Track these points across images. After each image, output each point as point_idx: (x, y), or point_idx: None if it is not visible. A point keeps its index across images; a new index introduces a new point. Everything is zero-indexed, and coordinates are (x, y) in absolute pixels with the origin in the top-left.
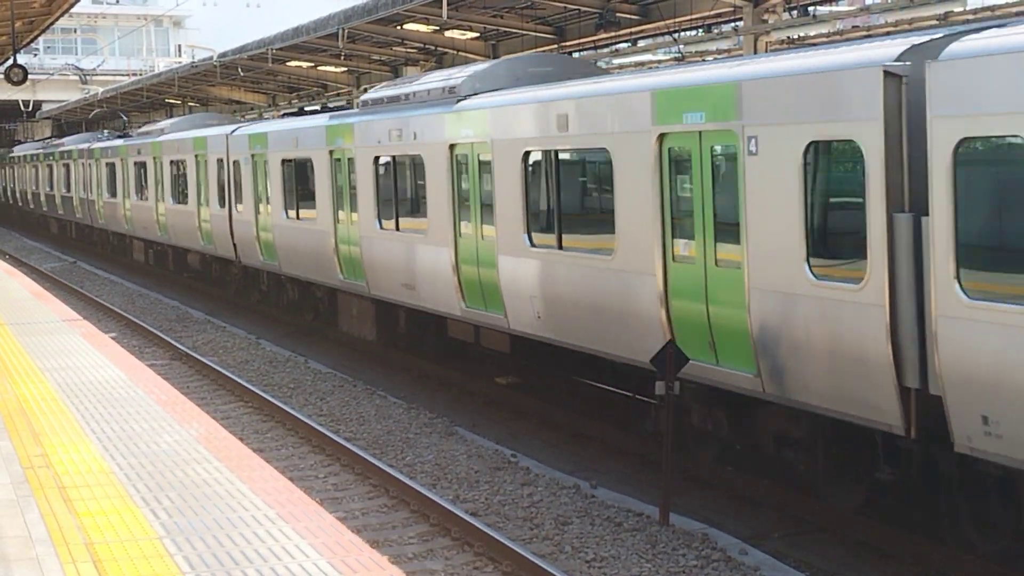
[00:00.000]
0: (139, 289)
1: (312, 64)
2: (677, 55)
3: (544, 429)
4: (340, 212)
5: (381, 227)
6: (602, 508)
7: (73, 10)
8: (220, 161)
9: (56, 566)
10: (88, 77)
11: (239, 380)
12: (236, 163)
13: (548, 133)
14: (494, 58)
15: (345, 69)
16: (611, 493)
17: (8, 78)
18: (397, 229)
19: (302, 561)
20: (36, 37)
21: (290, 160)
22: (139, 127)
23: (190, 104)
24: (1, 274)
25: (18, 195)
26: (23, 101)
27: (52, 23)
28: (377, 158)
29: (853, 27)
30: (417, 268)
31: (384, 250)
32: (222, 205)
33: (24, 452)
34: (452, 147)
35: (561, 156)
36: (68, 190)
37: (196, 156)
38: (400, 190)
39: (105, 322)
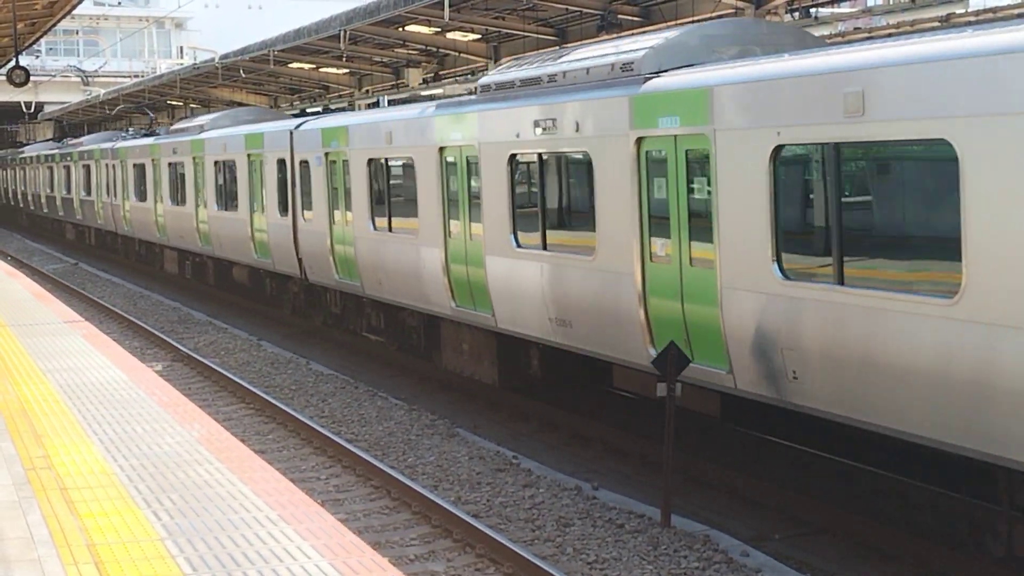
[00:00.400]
0: (141, 291)
1: (314, 66)
2: None
3: (545, 431)
4: (453, 224)
5: (518, 245)
6: (603, 510)
7: (75, 12)
8: (282, 161)
9: (58, 567)
10: (90, 79)
11: (241, 382)
12: (303, 163)
13: (824, 119)
14: (496, 61)
15: (347, 71)
16: (612, 495)
17: (10, 80)
18: (544, 248)
19: (304, 563)
20: (38, 39)
21: (380, 160)
22: (169, 124)
23: (192, 106)
24: (3, 275)
25: (29, 198)
26: (25, 103)
27: (54, 25)
28: (514, 156)
29: (855, 29)
30: (576, 299)
31: (523, 274)
32: (284, 213)
33: (26, 453)
34: (639, 141)
35: (847, 151)
36: (88, 193)
37: (249, 156)
38: (548, 197)
39: (107, 323)
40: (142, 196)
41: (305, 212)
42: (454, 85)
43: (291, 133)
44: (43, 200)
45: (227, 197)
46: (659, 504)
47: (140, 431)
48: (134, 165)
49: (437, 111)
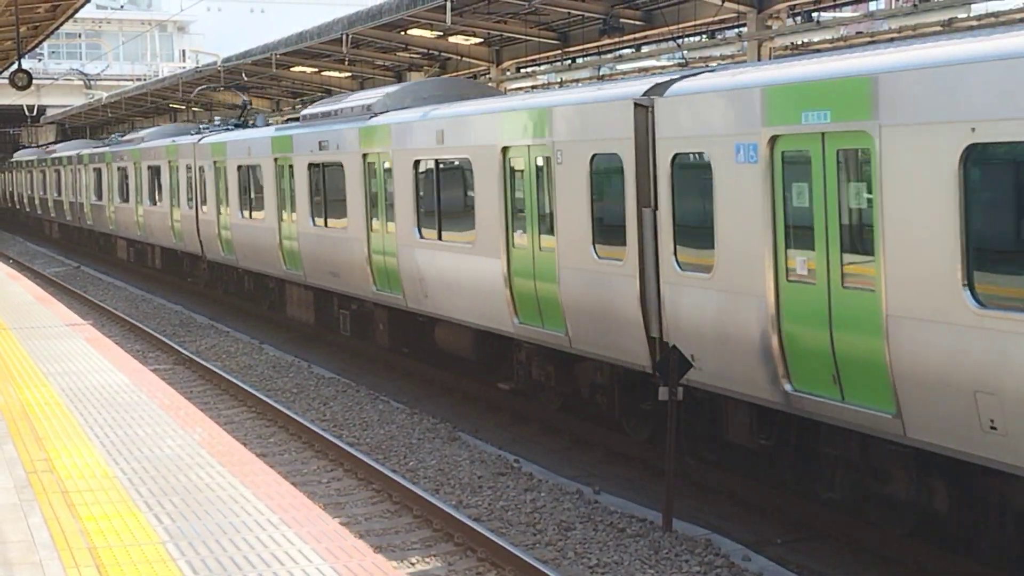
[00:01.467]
0: (142, 294)
1: (316, 69)
2: (681, 61)
3: (546, 434)
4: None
5: None
6: (605, 514)
7: (78, 15)
8: (597, 157)
9: (59, 570)
10: (92, 82)
11: (242, 385)
12: (680, 163)
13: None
14: (498, 64)
15: (349, 74)
16: (614, 499)
17: (13, 83)
18: None
19: (305, 566)
20: (41, 42)
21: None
22: (280, 112)
23: (194, 109)
24: (4, 278)
25: (65, 207)
26: (27, 106)
27: (57, 28)
28: None
29: (857, 33)
30: None
31: None
32: (600, 245)
33: (27, 456)
34: None
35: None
36: (154, 203)
37: (505, 151)
38: None
39: (109, 326)
40: (253, 209)
41: (680, 253)
42: None
43: (638, 106)
44: (86, 210)
45: (447, 218)
46: (661, 508)
47: (141, 434)
48: (239, 168)
49: None
